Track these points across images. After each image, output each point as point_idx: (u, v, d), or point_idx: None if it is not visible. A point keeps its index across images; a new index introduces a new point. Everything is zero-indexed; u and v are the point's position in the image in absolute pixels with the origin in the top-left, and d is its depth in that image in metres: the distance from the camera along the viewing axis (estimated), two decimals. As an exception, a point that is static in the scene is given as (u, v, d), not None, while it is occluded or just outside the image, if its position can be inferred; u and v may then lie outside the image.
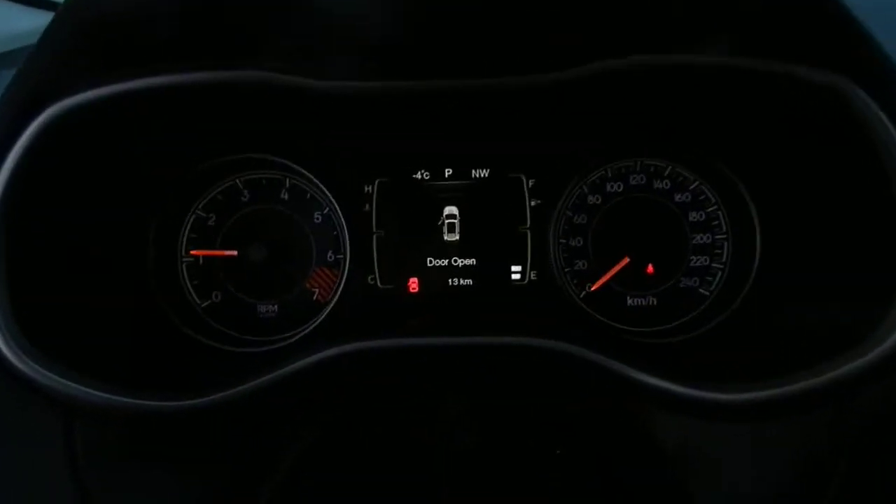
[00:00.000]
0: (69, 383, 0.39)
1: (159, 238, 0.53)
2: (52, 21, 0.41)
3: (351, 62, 0.41)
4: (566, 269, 0.53)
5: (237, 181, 0.54)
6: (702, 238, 0.53)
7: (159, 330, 0.53)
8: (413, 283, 0.53)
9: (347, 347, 0.44)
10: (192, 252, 0.55)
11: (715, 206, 0.52)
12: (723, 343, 0.49)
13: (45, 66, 0.40)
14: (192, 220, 0.55)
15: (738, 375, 0.40)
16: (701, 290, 0.52)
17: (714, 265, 0.53)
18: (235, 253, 0.54)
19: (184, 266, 0.54)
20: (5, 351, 0.39)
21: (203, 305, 0.55)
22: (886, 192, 0.37)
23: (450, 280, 0.54)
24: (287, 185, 0.55)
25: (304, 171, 0.54)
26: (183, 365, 0.50)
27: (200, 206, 0.55)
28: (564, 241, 0.54)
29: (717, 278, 0.52)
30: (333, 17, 0.39)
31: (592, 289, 0.53)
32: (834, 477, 0.41)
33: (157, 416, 0.40)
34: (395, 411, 0.47)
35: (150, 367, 0.47)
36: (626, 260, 0.52)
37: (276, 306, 0.55)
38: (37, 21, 0.66)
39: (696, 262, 0.53)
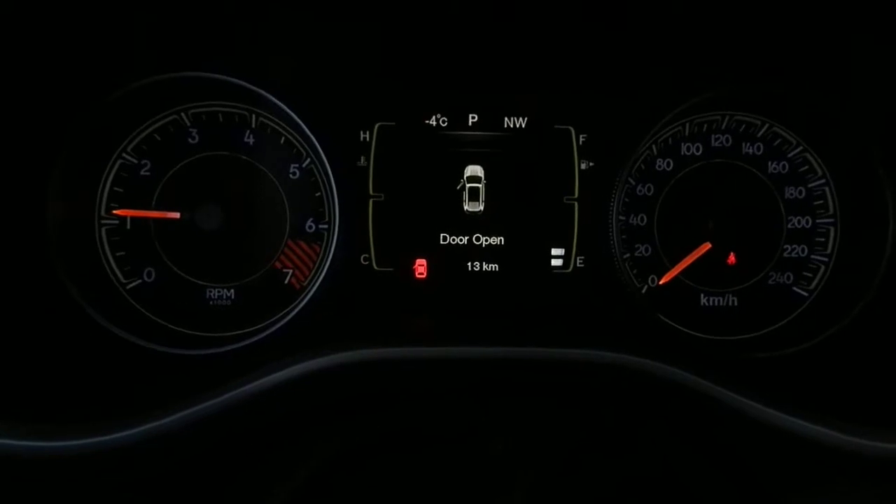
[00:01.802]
0: None
1: (66, 191, 0.40)
2: None
3: None
4: (625, 256, 0.42)
5: (182, 115, 0.41)
6: (800, 221, 0.43)
7: (63, 323, 0.39)
8: (420, 266, 0.43)
9: (339, 357, 0.32)
10: (116, 212, 0.41)
11: (822, 181, 0.41)
12: (841, 361, 0.38)
13: None
14: (115, 166, 0.41)
15: (881, 410, 0.31)
16: (796, 289, 0.42)
17: (815, 257, 0.42)
18: (178, 215, 0.40)
19: (102, 231, 0.41)
20: None
21: (129, 286, 0.42)
22: None
23: (469, 264, 0.43)
24: (253, 123, 0.42)
25: (279, 103, 0.40)
26: (96, 377, 0.37)
27: (129, 149, 0.41)
28: (624, 218, 0.43)
29: (819, 274, 0.42)
30: None
31: (661, 282, 0.42)
32: None
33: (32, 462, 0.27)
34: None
35: (45, 383, 0.34)
36: (707, 246, 0.41)
37: (232, 291, 0.42)
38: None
39: (791, 253, 0.43)
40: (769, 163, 0.43)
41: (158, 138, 0.43)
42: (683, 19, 0.37)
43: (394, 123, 0.42)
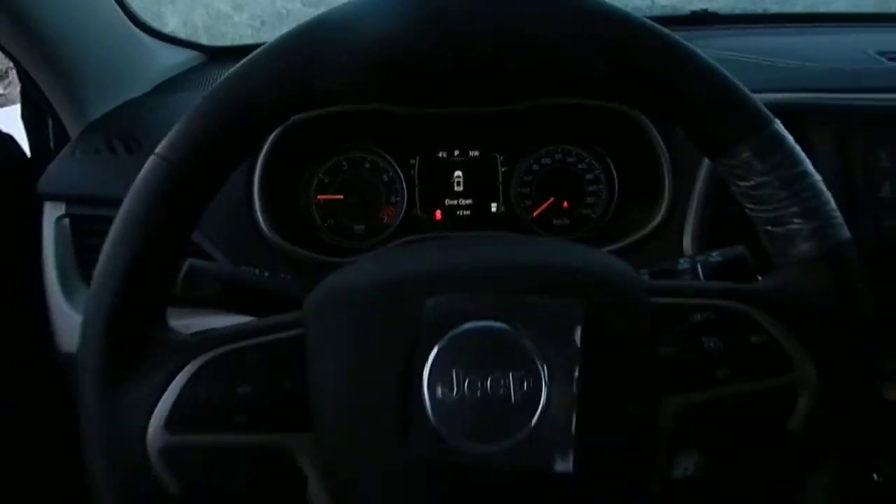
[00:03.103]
0: None
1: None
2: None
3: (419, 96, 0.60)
4: (522, 205, 0.78)
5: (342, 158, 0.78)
6: (592, 187, 0.78)
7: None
8: (438, 213, 0.79)
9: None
10: (320, 196, 0.77)
11: (597, 171, 0.77)
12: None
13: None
14: (317, 179, 0.77)
15: None
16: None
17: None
18: (342, 197, 0.77)
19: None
20: None
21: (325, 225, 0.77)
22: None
23: (458, 212, 0.77)
24: (367, 161, 0.78)
25: (383, 153, 0.77)
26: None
27: (322, 171, 0.77)
28: (517, 189, 0.78)
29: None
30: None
31: (534, 215, 0.78)
32: None
33: None
34: None
35: None
36: (552, 199, 0.77)
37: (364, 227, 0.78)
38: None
39: (590, 199, 0.78)
40: (578, 164, 0.74)
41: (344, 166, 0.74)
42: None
43: (425, 155, 0.77)
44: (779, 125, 0.38)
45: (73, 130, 0.69)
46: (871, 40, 0.71)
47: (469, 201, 0.77)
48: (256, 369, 0.36)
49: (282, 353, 0.37)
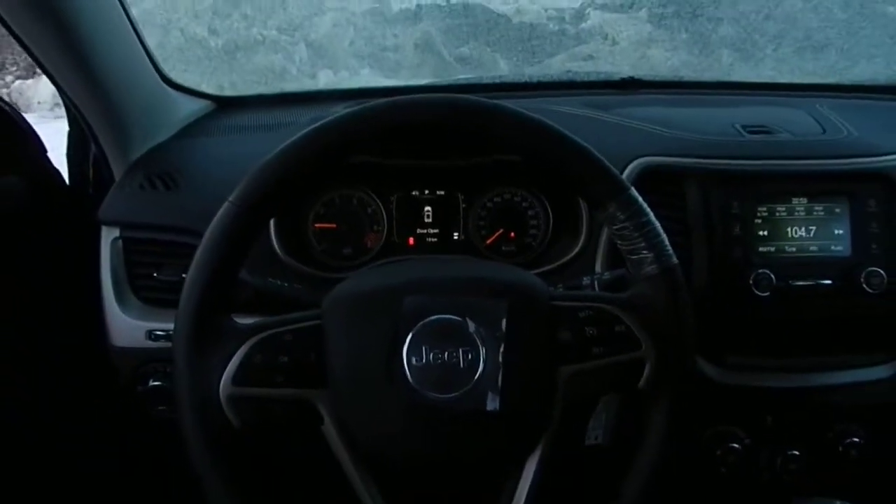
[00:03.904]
0: None
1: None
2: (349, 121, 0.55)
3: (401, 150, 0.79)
4: (478, 235, 0.88)
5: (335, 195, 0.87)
6: (533, 222, 0.89)
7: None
8: (411, 240, 0.88)
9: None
10: (316, 225, 0.87)
11: (537, 209, 0.88)
12: None
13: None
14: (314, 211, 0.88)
15: None
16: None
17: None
18: (335, 226, 0.87)
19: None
20: None
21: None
22: None
23: (427, 238, 0.88)
24: (355, 197, 0.88)
25: (368, 191, 0.87)
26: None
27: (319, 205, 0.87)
28: (475, 221, 0.88)
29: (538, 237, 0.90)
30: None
31: (487, 243, 0.88)
32: None
33: None
34: None
35: None
36: (501, 230, 0.88)
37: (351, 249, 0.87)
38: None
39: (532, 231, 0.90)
40: (522, 203, 0.88)
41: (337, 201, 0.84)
42: None
43: (402, 193, 0.87)
44: (632, 190, 0.60)
45: (117, 167, 0.83)
46: (740, 114, 0.92)
47: (436, 230, 0.88)
48: (291, 345, 0.53)
49: (308, 335, 0.53)
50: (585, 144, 0.55)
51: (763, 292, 0.74)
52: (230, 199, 0.52)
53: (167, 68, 1.05)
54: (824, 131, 0.84)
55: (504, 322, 0.52)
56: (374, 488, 0.51)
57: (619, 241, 0.56)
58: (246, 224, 0.52)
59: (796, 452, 0.76)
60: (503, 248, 0.89)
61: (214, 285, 0.52)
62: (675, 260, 0.55)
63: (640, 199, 0.55)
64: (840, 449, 0.75)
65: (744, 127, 0.83)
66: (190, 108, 0.98)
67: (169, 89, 0.93)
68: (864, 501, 0.92)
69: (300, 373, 0.53)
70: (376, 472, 0.51)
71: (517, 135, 0.54)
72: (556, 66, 1.46)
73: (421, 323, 0.53)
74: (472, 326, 0.53)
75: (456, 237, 0.89)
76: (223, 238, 0.51)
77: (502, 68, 1.74)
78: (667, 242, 0.55)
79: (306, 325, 0.53)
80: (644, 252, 0.54)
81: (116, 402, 0.79)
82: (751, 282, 0.74)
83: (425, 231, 0.89)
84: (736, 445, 0.76)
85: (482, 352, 0.52)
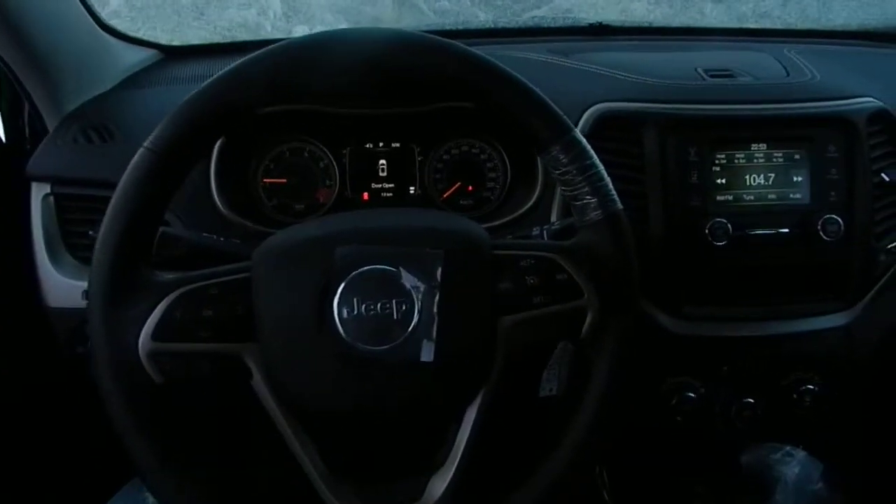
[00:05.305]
0: None
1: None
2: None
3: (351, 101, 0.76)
4: (434, 188, 0.85)
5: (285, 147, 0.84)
6: (491, 174, 0.86)
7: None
8: (365, 195, 0.86)
9: None
10: (265, 180, 0.83)
11: (495, 161, 0.86)
12: None
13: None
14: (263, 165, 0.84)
15: None
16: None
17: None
18: (285, 180, 0.83)
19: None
20: None
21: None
22: None
23: (382, 194, 0.85)
24: (306, 150, 0.85)
25: (319, 144, 0.84)
26: None
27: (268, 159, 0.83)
28: (431, 175, 0.86)
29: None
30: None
31: (444, 197, 0.86)
32: None
33: None
34: None
35: None
36: (459, 184, 0.86)
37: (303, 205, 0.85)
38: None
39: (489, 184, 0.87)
40: (480, 155, 0.85)
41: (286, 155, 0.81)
42: None
43: (355, 146, 0.85)
44: (576, 132, 0.57)
45: (51, 121, 0.79)
46: (703, 58, 0.90)
47: (391, 185, 0.86)
48: (217, 299, 0.52)
49: (234, 288, 0.52)
50: (531, 85, 0.53)
51: (719, 242, 0.72)
52: (144, 144, 0.50)
53: (135, 25, 0.97)
54: (788, 74, 0.82)
55: (440, 272, 0.51)
56: (309, 443, 0.49)
57: (563, 188, 0.54)
58: (162, 170, 0.48)
59: (751, 400, 0.75)
60: (461, 201, 0.86)
61: (131, 235, 0.50)
62: (619, 205, 0.53)
63: (584, 141, 0.52)
64: (794, 396, 0.74)
65: (706, 71, 0.80)
66: (134, 58, 0.93)
67: (108, 37, 0.88)
68: (817, 448, 0.92)
69: (226, 327, 0.52)
70: (308, 425, 0.49)
71: (464, 73, 0.53)
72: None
73: (352, 274, 0.51)
74: (406, 276, 0.51)
75: (412, 191, 0.86)
76: (137, 185, 0.50)
77: (482, 22, 1.67)
78: (611, 187, 0.53)
79: (234, 277, 0.52)
80: (587, 198, 0.52)
81: (55, 367, 0.76)
82: (707, 231, 0.73)
83: (380, 185, 0.87)
84: (691, 395, 0.76)
85: (417, 303, 0.51)
